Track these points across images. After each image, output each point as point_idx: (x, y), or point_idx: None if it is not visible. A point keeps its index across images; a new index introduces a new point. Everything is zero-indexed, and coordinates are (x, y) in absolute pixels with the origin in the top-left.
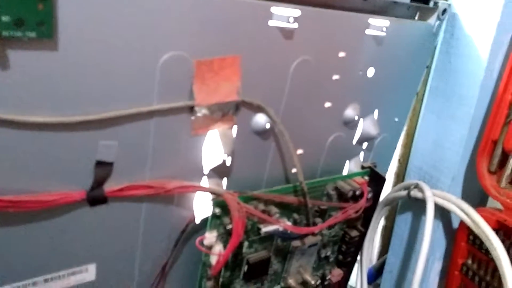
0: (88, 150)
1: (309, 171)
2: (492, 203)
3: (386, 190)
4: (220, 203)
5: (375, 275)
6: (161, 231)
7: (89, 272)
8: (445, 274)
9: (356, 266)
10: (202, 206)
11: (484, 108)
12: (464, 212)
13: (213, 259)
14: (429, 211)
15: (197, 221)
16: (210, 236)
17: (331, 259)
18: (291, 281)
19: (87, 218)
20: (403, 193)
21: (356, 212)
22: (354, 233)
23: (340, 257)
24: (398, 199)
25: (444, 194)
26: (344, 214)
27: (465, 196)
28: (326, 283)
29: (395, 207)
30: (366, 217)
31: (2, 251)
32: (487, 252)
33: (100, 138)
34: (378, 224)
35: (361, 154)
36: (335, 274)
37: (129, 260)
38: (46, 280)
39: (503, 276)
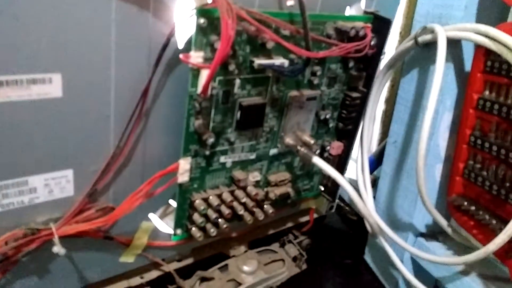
0: None
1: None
2: None
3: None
4: (205, 12)
5: (376, 163)
6: (138, 44)
7: (54, 85)
8: (455, 127)
9: (355, 159)
10: (184, 19)
11: None
12: (481, 34)
13: (201, 84)
14: (440, 46)
15: (180, 43)
16: (195, 55)
17: (331, 125)
18: (288, 140)
19: (43, 3)
20: (409, 43)
21: (359, 51)
22: (355, 94)
23: (341, 125)
24: (403, 54)
25: (456, 26)
26: (346, 48)
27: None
28: (325, 155)
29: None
30: (368, 76)
31: None
32: (507, 73)
33: None
34: (380, 95)
35: (363, 1)
36: (335, 146)
37: (102, 78)
38: (1, 83)
39: None
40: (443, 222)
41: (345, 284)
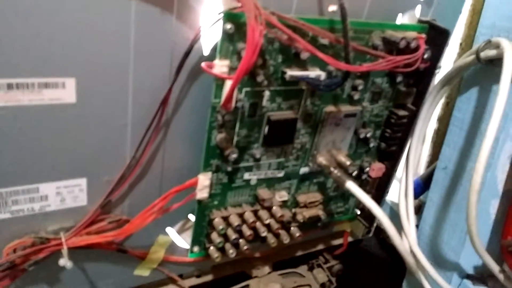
0: None
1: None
2: None
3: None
4: (233, 16)
5: (422, 188)
6: (159, 49)
7: (67, 90)
8: None
9: (399, 179)
10: (210, 23)
11: None
12: None
13: (224, 97)
14: (507, 63)
15: (205, 50)
16: (220, 65)
17: (372, 144)
18: (321, 160)
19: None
20: (470, 58)
21: (409, 65)
22: (402, 112)
23: (383, 145)
24: (461, 70)
25: None
26: (394, 62)
27: None
28: (363, 177)
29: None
30: (419, 93)
31: None
32: None
33: None
34: (432, 113)
35: (418, 8)
36: (376, 168)
37: (119, 85)
38: (10, 86)
39: None
40: (494, 267)
41: None
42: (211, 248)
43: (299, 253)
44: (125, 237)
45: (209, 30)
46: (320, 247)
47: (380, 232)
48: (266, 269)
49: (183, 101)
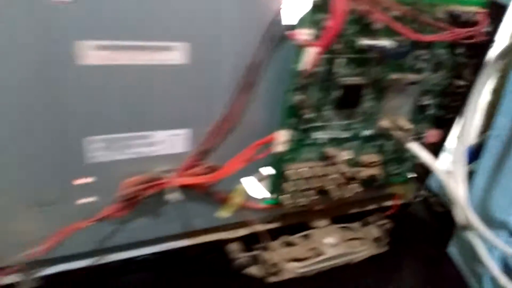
0: None
1: None
2: None
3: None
4: None
5: (474, 155)
6: (250, 19)
7: (181, 53)
8: None
9: (449, 150)
10: None
11: None
12: None
13: (305, 62)
14: None
15: (288, 20)
16: (306, 33)
17: (429, 112)
18: (384, 123)
19: None
20: None
21: (470, 37)
22: (460, 82)
23: (441, 112)
24: None
25: None
26: (457, 34)
27: None
28: (420, 142)
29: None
30: (476, 65)
31: None
32: None
33: None
34: (487, 85)
35: None
36: (432, 134)
37: (218, 51)
38: (129, 47)
39: None
40: None
41: (426, 272)
42: (284, 196)
43: (355, 210)
44: (216, 181)
45: (293, 2)
46: (373, 206)
47: (427, 199)
48: (326, 222)
49: (266, 66)
